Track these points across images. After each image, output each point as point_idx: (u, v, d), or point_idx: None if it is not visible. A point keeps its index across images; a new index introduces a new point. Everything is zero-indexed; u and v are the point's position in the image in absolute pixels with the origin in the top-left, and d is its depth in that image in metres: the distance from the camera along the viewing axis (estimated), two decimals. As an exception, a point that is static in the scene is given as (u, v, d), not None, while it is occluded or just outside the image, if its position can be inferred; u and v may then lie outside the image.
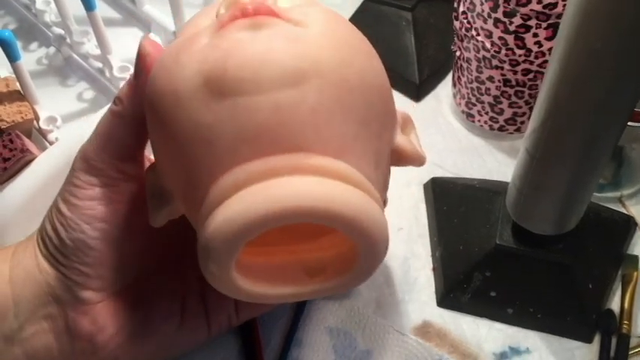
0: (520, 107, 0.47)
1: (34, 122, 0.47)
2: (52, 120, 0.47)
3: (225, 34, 0.27)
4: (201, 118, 0.27)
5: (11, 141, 0.43)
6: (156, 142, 0.31)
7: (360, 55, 0.29)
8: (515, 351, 0.40)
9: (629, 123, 0.40)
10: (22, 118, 0.46)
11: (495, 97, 0.47)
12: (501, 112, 0.48)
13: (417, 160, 0.33)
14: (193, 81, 0.27)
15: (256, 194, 0.26)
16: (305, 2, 0.30)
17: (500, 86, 0.46)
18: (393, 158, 0.32)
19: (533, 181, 0.36)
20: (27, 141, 0.45)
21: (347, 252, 0.30)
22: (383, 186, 0.31)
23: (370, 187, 0.28)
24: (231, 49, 0.27)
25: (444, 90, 0.54)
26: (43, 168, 0.44)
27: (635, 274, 0.41)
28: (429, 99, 0.54)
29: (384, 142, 0.31)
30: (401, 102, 0.54)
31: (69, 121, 0.50)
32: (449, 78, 0.54)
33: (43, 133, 0.47)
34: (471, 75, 0.47)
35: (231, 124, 0.26)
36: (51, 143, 0.47)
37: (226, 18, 0.28)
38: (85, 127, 0.46)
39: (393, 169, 0.33)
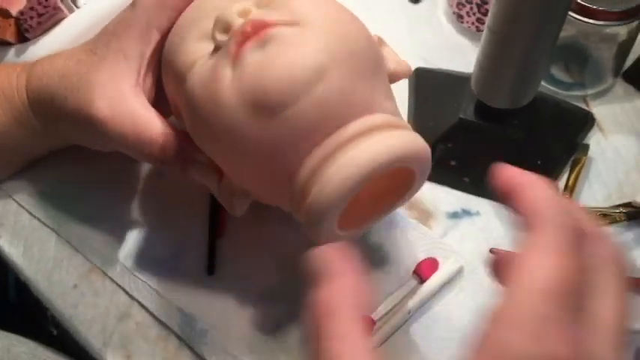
0: (504, 9, 0.51)
1: (65, -13, 0.53)
2: (81, -15, 0.53)
3: (244, 61, 0.31)
4: (265, 138, 0.32)
5: (45, -3, 0.49)
6: (224, 165, 0.36)
7: (351, 22, 0.34)
8: (467, 212, 0.45)
9: (591, 21, 0.45)
10: (55, -20, 0.51)
11: (482, -2, 0.51)
12: (487, 13, 0.52)
13: (408, 72, 0.39)
14: (243, 113, 0.31)
15: (357, 155, 0.31)
16: None
17: (486, -14, 0.50)
18: (390, 80, 0.37)
19: (492, 55, 0.41)
20: (58, 1, 0.50)
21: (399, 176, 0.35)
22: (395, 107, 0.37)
23: (405, 122, 0.35)
24: (259, 73, 0.31)
25: (441, -6, 0.58)
26: (73, 27, 0.50)
27: (584, 158, 0.46)
28: (426, 2, 0.58)
29: (385, 75, 0.36)
30: (399, 3, 0.58)
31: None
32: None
33: (73, -2, 0.53)
34: (461, -26, 0.51)
35: (293, 130, 0.31)
36: (78, 7, 0.52)
37: (234, 46, 0.32)
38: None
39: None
